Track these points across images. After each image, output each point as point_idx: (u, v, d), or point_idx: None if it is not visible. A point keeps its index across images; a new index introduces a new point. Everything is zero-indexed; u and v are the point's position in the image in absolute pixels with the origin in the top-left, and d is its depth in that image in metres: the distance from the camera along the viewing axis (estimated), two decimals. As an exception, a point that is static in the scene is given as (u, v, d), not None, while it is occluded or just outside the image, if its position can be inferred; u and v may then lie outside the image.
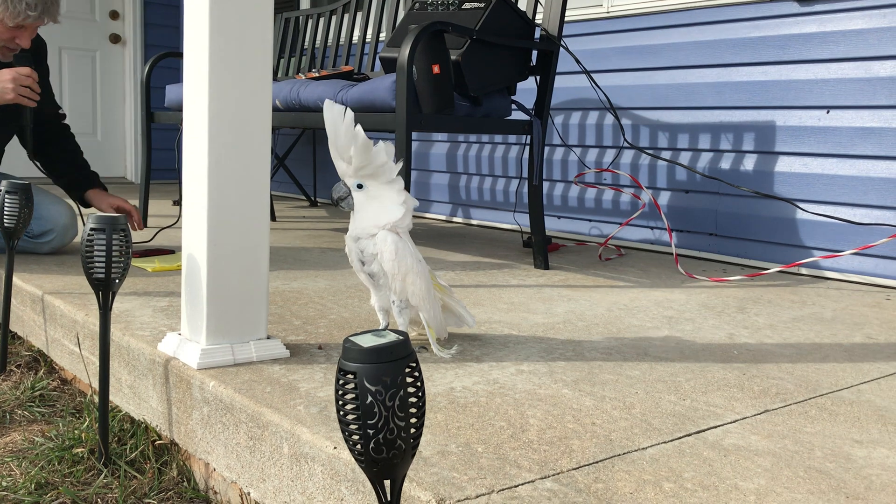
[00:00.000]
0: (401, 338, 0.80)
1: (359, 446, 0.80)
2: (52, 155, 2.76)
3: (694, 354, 1.68)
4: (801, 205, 2.75)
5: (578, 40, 3.40)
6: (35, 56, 2.60)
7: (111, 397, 1.71)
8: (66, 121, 2.90)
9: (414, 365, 0.81)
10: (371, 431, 0.78)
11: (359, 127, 1.44)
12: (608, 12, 3.35)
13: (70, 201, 2.71)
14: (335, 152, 1.48)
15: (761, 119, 2.88)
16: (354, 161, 1.47)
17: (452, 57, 2.45)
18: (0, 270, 2.30)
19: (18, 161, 2.86)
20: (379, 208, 1.54)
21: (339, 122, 1.44)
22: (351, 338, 0.80)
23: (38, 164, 2.63)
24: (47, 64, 2.76)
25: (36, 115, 2.68)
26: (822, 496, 1.02)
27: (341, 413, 0.80)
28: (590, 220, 3.47)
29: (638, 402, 1.36)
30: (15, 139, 2.74)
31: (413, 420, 0.81)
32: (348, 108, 1.43)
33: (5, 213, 1.91)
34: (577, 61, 2.91)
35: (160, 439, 1.56)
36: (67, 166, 2.77)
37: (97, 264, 1.44)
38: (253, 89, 1.50)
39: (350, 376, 0.79)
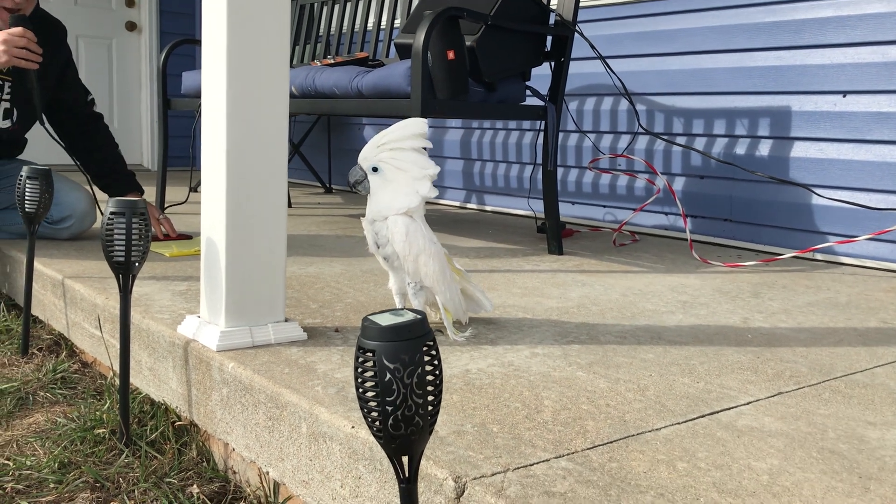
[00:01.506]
0: (418, 316, 0.82)
1: (378, 423, 0.81)
2: (84, 150, 2.73)
3: (708, 338, 1.69)
4: (817, 190, 2.74)
5: (593, 25, 3.39)
6: (52, 38, 2.61)
7: (131, 379, 1.73)
8: (96, 108, 2.85)
9: (431, 343, 0.82)
10: (390, 408, 0.80)
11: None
12: (623, -3, 3.34)
13: (88, 188, 2.73)
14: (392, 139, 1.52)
15: (776, 104, 2.87)
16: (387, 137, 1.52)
17: (467, 42, 2.46)
18: (21, 255, 2.34)
19: (40, 147, 2.87)
20: (394, 192, 1.55)
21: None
22: (370, 317, 0.82)
23: (55, 136, 2.59)
24: (68, 46, 2.74)
25: (59, 103, 2.70)
26: (835, 476, 1.03)
27: (360, 391, 0.81)
28: (604, 206, 3.47)
29: (652, 384, 1.38)
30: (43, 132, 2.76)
31: (431, 397, 0.82)
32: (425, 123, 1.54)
33: (26, 198, 1.94)
34: (592, 46, 2.91)
35: (180, 420, 1.58)
36: (100, 167, 2.75)
37: (117, 247, 1.47)
38: (270, 75, 1.51)
39: (369, 354, 0.80)
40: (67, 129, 2.73)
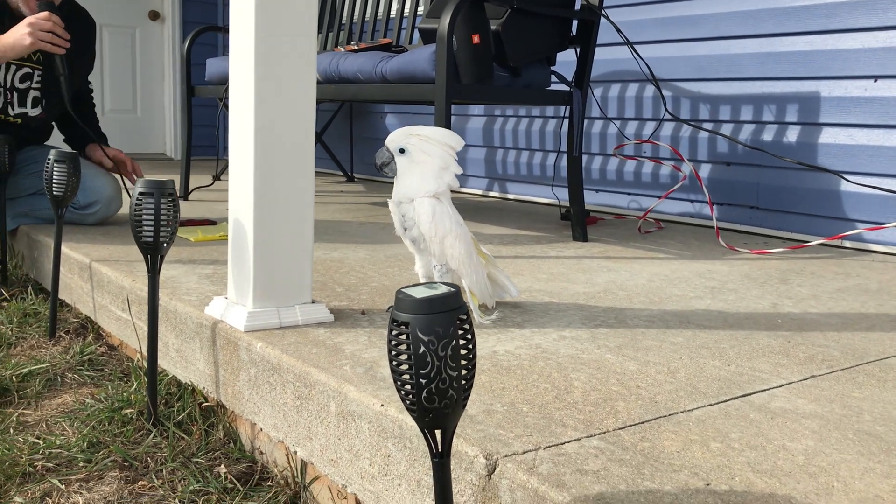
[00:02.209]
0: (452, 289, 0.81)
1: (411, 396, 0.81)
2: (67, 119, 2.80)
3: (738, 323, 1.67)
4: (846, 176, 2.70)
5: (619, 10, 3.36)
6: (84, 30, 2.63)
7: (158, 361, 1.74)
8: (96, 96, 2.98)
9: (465, 317, 0.81)
10: (424, 381, 0.79)
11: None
12: (649, -17, 3.31)
13: (115, 175, 2.74)
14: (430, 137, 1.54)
15: (805, 90, 2.84)
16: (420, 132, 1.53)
17: (492, 27, 2.44)
18: (49, 240, 2.35)
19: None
20: (421, 175, 1.54)
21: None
22: (403, 289, 0.81)
23: (80, 122, 2.61)
24: (94, 41, 2.78)
25: (79, 91, 2.73)
26: (872, 458, 1.02)
27: (394, 363, 0.81)
28: (628, 194, 3.44)
29: (682, 367, 1.36)
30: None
31: (464, 371, 0.81)
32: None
33: (54, 181, 1.95)
34: (619, 31, 2.88)
35: (207, 401, 1.59)
36: (71, 129, 2.81)
37: (146, 228, 1.47)
38: (298, 59, 1.50)
39: (403, 327, 0.79)
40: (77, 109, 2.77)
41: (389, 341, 0.81)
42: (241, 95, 1.51)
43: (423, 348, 0.78)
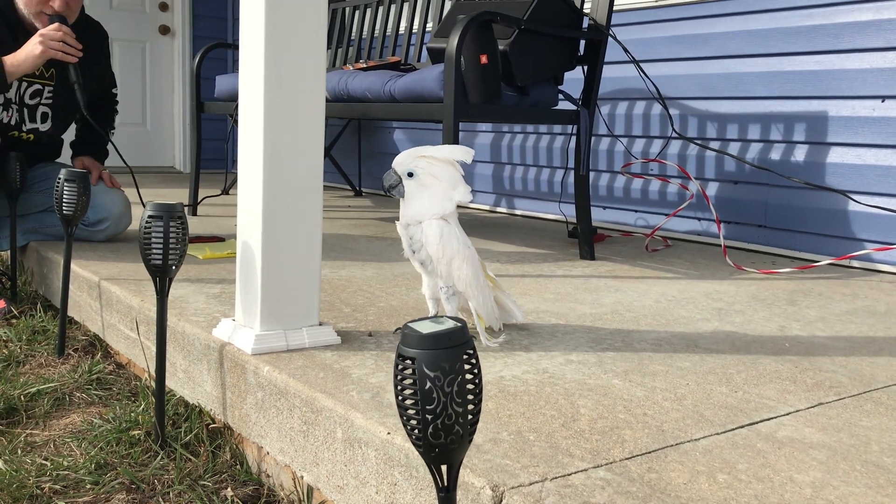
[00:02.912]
0: (459, 324, 0.81)
1: (417, 431, 0.81)
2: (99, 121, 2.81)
3: (745, 346, 1.66)
4: (854, 196, 2.70)
5: (627, 29, 3.37)
6: (96, 40, 2.66)
7: (166, 381, 1.75)
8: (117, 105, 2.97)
9: (472, 352, 0.82)
10: (430, 417, 0.79)
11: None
12: (657, 1, 3.32)
13: (123, 191, 2.76)
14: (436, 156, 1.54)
15: (813, 109, 2.83)
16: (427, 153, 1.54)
17: (500, 46, 2.45)
18: (58, 257, 2.37)
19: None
20: (430, 198, 1.55)
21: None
22: (410, 324, 0.81)
23: (92, 120, 2.63)
24: (107, 50, 2.81)
25: (94, 98, 2.76)
26: (880, 490, 1.01)
27: (400, 398, 0.81)
28: (636, 211, 3.44)
29: (689, 393, 1.36)
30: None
31: (471, 406, 0.82)
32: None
33: (64, 200, 1.96)
34: (626, 50, 2.89)
35: (214, 423, 1.59)
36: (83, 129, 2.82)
37: (155, 251, 1.48)
38: (308, 79, 1.52)
39: (409, 362, 0.80)
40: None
41: (395, 376, 0.81)
42: (250, 119, 1.52)
43: (429, 384, 0.79)
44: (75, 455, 1.52)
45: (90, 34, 2.67)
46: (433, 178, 1.54)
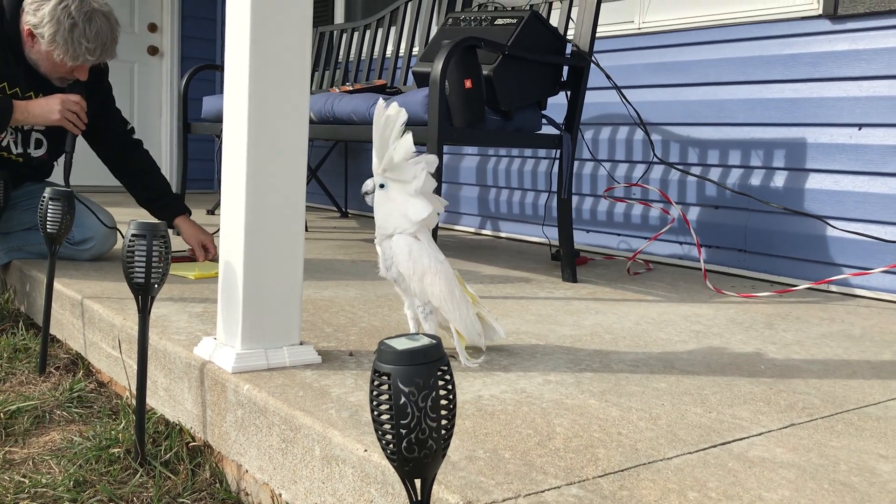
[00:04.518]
0: (433, 341, 0.83)
1: (391, 445, 0.82)
2: (126, 176, 2.81)
3: (721, 368, 1.69)
4: (832, 222, 2.74)
5: (609, 56, 3.42)
6: (95, 77, 2.65)
7: (147, 399, 1.75)
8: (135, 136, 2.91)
9: (446, 368, 0.84)
10: (404, 431, 0.81)
11: (409, 133, 1.49)
12: (639, 28, 3.37)
13: (109, 210, 2.77)
14: (378, 144, 1.52)
15: (792, 136, 2.89)
16: (385, 159, 1.51)
17: (484, 72, 2.49)
18: (42, 275, 2.37)
19: (95, 166, 2.91)
20: (392, 211, 1.56)
21: (392, 120, 1.49)
22: (386, 341, 0.83)
23: (126, 171, 2.71)
24: (108, 84, 2.78)
25: (98, 135, 2.74)
26: (846, 508, 1.03)
27: (375, 413, 0.83)
28: (618, 235, 3.48)
29: (664, 413, 1.38)
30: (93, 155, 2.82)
31: (444, 421, 0.83)
32: (404, 111, 1.48)
33: (48, 219, 1.97)
34: (608, 77, 2.93)
35: (194, 441, 1.60)
36: (145, 192, 2.81)
37: (137, 269, 1.49)
38: (291, 103, 1.54)
39: (384, 377, 0.82)
40: (107, 158, 2.81)
41: (371, 391, 0.83)
42: (233, 140, 1.54)
43: (403, 399, 0.80)
44: (54, 472, 1.52)
45: (93, 70, 2.65)
46: (400, 185, 1.56)
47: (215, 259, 2.72)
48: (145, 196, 2.82)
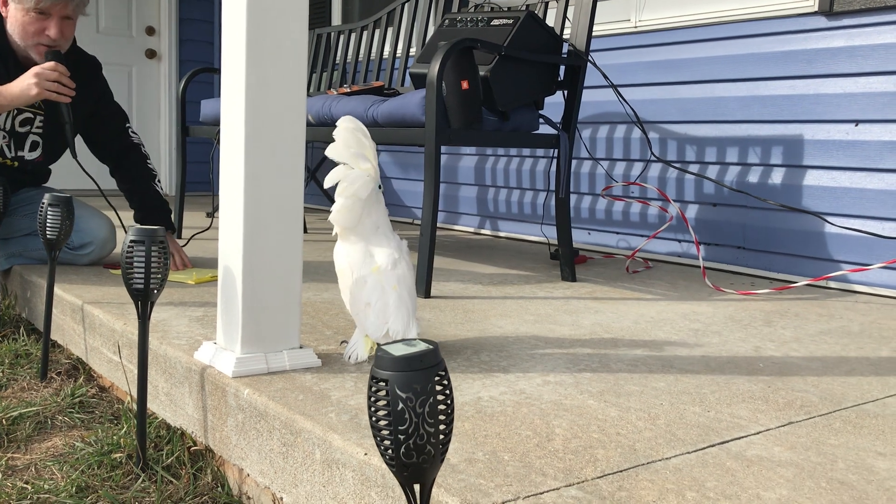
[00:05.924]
0: (430, 347, 0.84)
1: (390, 451, 0.83)
2: (119, 181, 2.77)
3: (719, 367, 1.69)
4: (830, 218, 2.75)
5: (606, 55, 3.43)
6: (86, 73, 2.65)
7: (148, 404, 1.76)
8: (133, 136, 2.83)
9: (443, 373, 0.84)
10: (402, 437, 0.82)
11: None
12: (636, 27, 3.38)
13: (108, 213, 2.77)
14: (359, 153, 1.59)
15: (789, 133, 2.89)
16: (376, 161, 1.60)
17: (481, 72, 2.49)
18: (42, 280, 2.38)
19: (68, 172, 2.92)
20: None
21: (364, 132, 1.60)
22: (383, 346, 0.84)
23: (84, 169, 2.65)
24: (103, 80, 2.76)
25: (93, 135, 2.74)
26: (843, 507, 1.04)
27: (373, 419, 0.83)
28: (617, 233, 3.48)
29: (662, 413, 1.39)
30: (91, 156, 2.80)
31: (442, 426, 0.84)
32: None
33: (48, 224, 1.98)
34: (605, 76, 2.94)
35: (195, 445, 1.60)
36: (131, 199, 2.76)
37: (136, 275, 1.49)
38: (288, 106, 1.55)
39: (382, 384, 0.82)
40: (103, 158, 2.79)
41: (369, 398, 0.83)
42: (231, 144, 1.54)
43: (401, 405, 0.81)
44: (56, 478, 1.53)
45: (84, 68, 2.66)
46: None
47: (185, 266, 2.69)
48: (132, 203, 2.78)
